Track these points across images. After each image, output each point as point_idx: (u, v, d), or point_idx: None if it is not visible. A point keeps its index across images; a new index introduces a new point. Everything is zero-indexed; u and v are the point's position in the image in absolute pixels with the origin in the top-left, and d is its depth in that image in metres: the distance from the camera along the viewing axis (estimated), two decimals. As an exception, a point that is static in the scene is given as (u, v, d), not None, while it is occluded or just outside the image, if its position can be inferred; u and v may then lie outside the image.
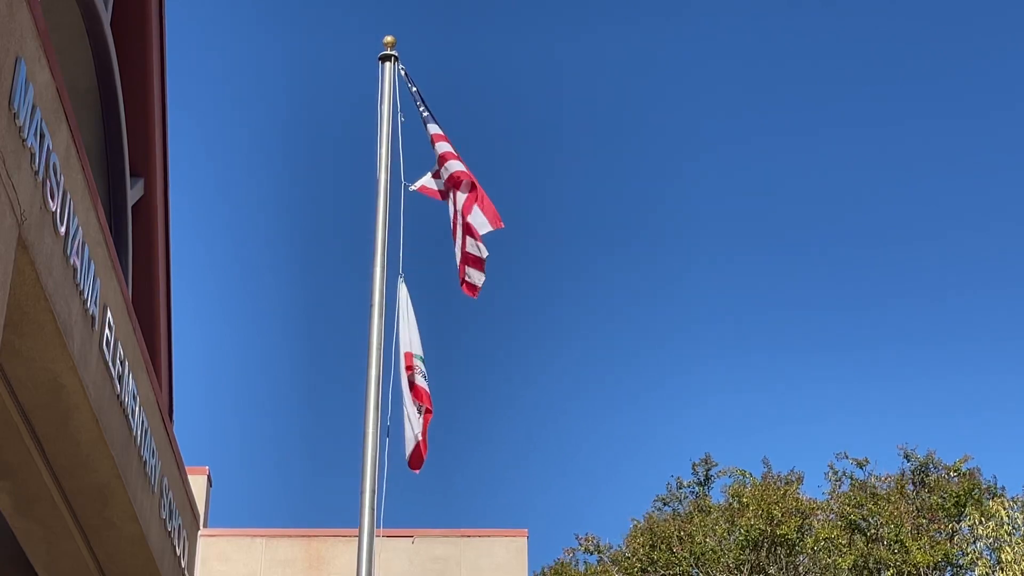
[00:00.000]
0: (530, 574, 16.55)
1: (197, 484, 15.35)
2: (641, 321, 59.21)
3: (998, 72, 58.08)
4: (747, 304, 57.71)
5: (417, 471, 9.86)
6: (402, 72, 10.91)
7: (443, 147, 10.81)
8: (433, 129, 11.00)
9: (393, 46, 10.82)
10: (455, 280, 10.56)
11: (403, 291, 10.15)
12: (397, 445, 9.87)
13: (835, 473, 29.79)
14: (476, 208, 10.53)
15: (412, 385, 9.92)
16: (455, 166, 10.68)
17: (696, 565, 27.84)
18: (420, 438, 9.77)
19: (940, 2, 59.59)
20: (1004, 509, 25.97)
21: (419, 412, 9.80)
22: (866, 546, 27.26)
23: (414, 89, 11.09)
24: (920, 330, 55.07)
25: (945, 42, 60.03)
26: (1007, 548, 25.13)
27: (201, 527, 15.29)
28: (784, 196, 60.53)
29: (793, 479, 29.52)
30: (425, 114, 11.08)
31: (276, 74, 60.37)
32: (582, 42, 62.34)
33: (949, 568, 27.60)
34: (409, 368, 10.00)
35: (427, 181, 10.84)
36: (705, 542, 27.78)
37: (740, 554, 27.54)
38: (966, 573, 27.35)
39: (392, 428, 9.79)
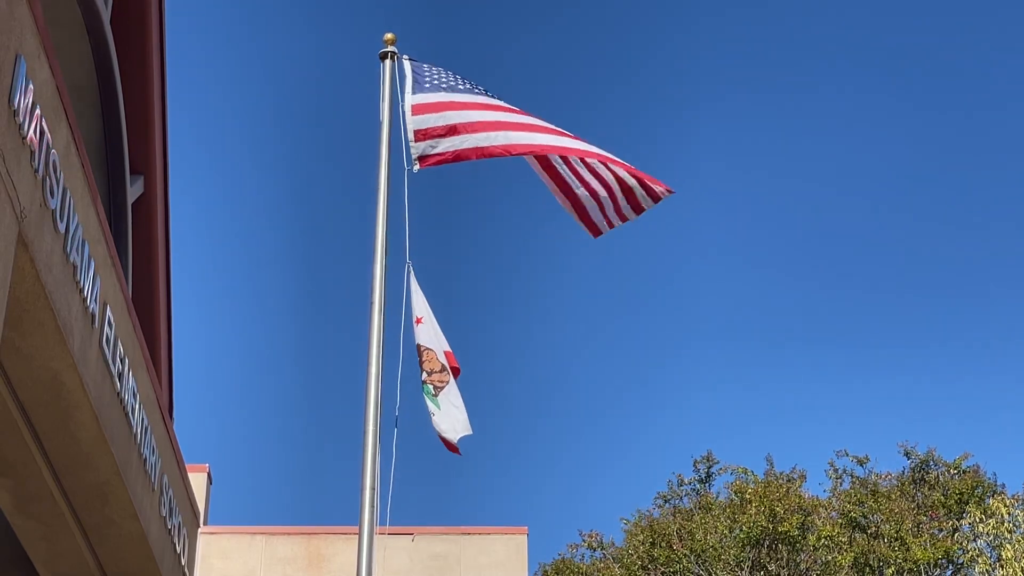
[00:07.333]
0: (530, 572, 16.56)
1: (197, 482, 15.35)
2: (642, 318, 59.27)
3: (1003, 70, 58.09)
4: (748, 302, 57.76)
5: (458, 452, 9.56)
6: (407, 63, 10.65)
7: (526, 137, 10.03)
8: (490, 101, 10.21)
9: (393, 43, 10.77)
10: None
11: (415, 283, 9.80)
12: (400, 441, 9.81)
13: (836, 471, 29.82)
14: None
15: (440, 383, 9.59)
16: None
17: (697, 563, 27.83)
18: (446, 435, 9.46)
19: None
20: (1005, 507, 25.97)
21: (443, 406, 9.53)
22: (867, 543, 27.26)
23: (435, 68, 10.56)
24: (921, 328, 55.15)
25: (996, 27, 60.06)
26: (1008, 546, 25.12)
27: (201, 525, 15.29)
28: (788, 194, 60.56)
29: (796, 477, 29.52)
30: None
31: (276, 71, 60.39)
32: (583, 40, 62.37)
33: (950, 565, 27.60)
34: (456, 369, 9.70)
35: (425, 149, 10.13)
36: (706, 539, 27.78)
37: (741, 551, 27.54)
38: (966, 570, 27.34)
39: (398, 421, 9.68)
